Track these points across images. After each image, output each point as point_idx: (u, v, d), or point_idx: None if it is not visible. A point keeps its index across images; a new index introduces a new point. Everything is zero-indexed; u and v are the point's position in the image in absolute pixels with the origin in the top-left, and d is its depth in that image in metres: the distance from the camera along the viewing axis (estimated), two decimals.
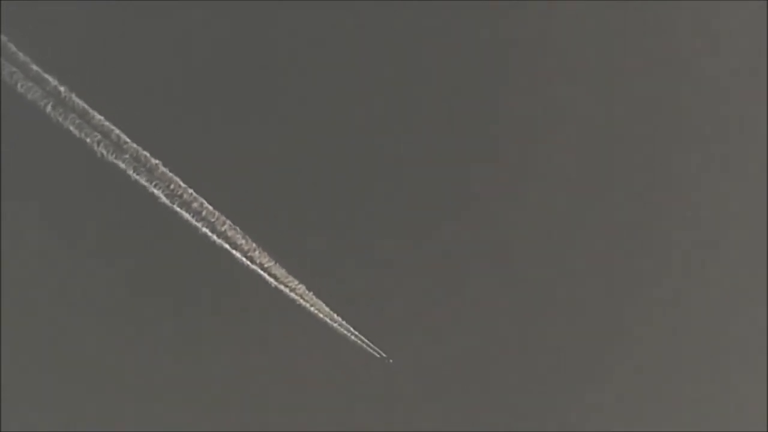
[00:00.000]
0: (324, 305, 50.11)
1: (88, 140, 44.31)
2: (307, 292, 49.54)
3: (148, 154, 45.32)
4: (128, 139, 44.88)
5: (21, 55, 42.43)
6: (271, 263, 48.44)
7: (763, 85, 55.07)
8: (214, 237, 47.25)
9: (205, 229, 47.02)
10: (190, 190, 46.21)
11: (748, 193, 56.06)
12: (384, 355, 52.13)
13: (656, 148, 56.47)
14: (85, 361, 50.89)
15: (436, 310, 54.46)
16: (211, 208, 46.92)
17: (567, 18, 54.82)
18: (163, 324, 51.75)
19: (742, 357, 56.05)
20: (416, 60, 54.08)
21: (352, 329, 50.94)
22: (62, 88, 43.55)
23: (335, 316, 50.23)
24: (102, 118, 44.49)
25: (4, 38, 41.83)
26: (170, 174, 45.74)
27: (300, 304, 49.73)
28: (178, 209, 46.17)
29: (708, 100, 56.12)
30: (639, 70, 55.78)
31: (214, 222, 47.11)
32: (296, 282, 49.18)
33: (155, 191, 45.73)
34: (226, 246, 47.46)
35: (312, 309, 49.87)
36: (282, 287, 48.82)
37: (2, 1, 45.81)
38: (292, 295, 49.21)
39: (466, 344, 55.09)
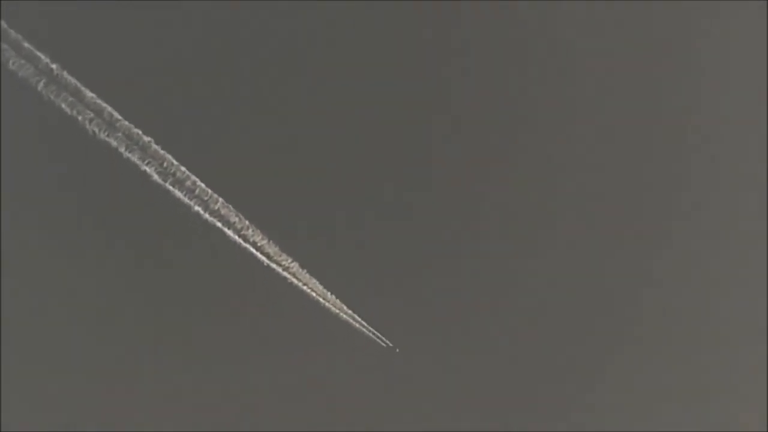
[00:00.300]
0: (318, 283, 49.92)
1: (80, 118, 44.22)
2: (300, 270, 49.33)
3: (140, 132, 45.21)
4: (120, 117, 44.79)
5: (13, 33, 42.35)
6: (264, 241, 48.28)
7: (763, 85, 55.10)
8: (207, 215, 47.08)
9: (197, 208, 46.87)
10: (183, 168, 46.04)
11: (749, 193, 56.10)
12: (377, 333, 51.93)
13: (656, 148, 56.49)
14: (81, 340, 50.78)
15: (433, 289, 54.34)
16: (204, 185, 46.75)
17: (567, 18, 54.87)
18: (155, 304, 51.58)
19: (742, 357, 56.05)
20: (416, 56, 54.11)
21: (345, 308, 50.71)
22: (54, 66, 43.52)
23: (329, 295, 50.04)
24: (94, 95, 44.43)
25: None
26: (162, 152, 45.60)
27: (293, 283, 49.49)
28: (170, 187, 46.02)
29: (708, 100, 56.14)
30: (639, 70, 55.81)
31: (207, 200, 46.96)
32: (290, 260, 48.98)
33: (147, 169, 45.60)
34: (219, 224, 47.27)
35: (305, 288, 49.63)
36: (275, 265, 48.59)
37: None
38: (285, 273, 48.98)
39: (465, 328, 54.96)
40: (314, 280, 49.76)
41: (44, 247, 50.32)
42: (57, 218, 50.67)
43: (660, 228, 56.59)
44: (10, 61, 42.61)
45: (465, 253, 54.88)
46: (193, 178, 46.47)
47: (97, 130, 44.59)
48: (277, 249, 48.62)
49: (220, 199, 47.40)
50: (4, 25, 42.01)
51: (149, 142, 45.40)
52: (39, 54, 43.03)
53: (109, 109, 44.69)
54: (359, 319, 51.20)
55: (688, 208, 56.52)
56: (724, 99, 55.87)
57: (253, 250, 48.20)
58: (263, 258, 48.39)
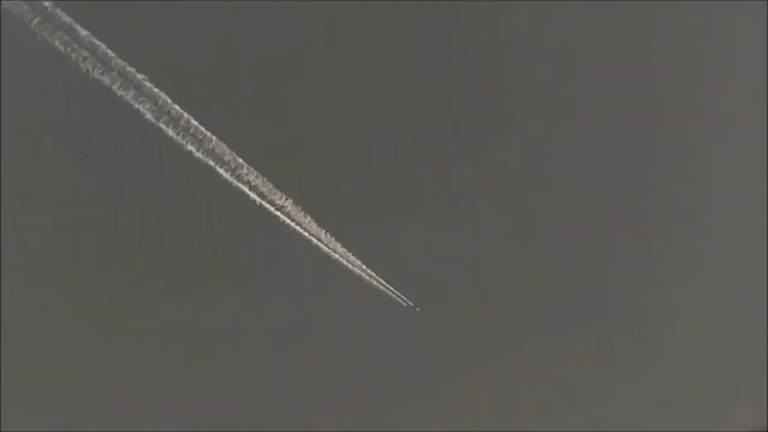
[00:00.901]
0: (315, 224, 49.73)
1: (74, 56, 44.63)
2: (295, 207, 49.23)
3: (134, 70, 45.56)
4: (114, 55, 45.16)
5: None
6: (258, 180, 48.29)
7: (763, 85, 55.08)
8: (200, 155, 47.21)
9: (190, 147, 47.03)
10: (176, 107, 46.26)
11: (749, 193, 56.04)
12: (378, 277, 51.59)
13: (656, 148, 56.50)
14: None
15: (439, 230, 54.21)
16: (197, 124, 46.94)
17: (566, 18, 54.99)
18: (147, 251, 51.59)
19: (742, 357, 55.95)
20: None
21: (339, 247, 50.37)
22: (48, 4, 43.87)
23: (324, 234, 49.84)
24: (88, 33, 44.78)
25: None
26: (156, 90, 45.91)
27: (286, 222, 49.34)
28: (163, 126, 46.29)
29: (708, 100, 56.12)
30: (639, 70, 55.83)
31: (201, 139, 47.14)
32: (284, 198, 48.92)
33: (141, 107, 45.92)
34: (212, 163, 47.42)
35: (299, 228, 49.47)
36: (268, 205, 48.56)
37: None
38: (278, 213, 48.88)
39: (474, 288, 54.87)
40: (311, 220, 49.53)
41: (34, 184, 50.36)
42: (47, 157, 50.68)
43: (660, 228, 56.57)
44: (3, 0, 43.09)
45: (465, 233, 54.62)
46: (187, 116, 46.69)
47: (90, 68, 45.03)
48: (271, 187, 48.53)
49: (214, 138, 47.53)
50: None
51: (143, 80, 45.74)
52: None
53: (104, 47, 45.14)
54: (356, 261, 50.80)
55: (688, 208, 56.47)
56: (724, 99, 55.75)
57: (246, 189, 48.23)
58: (256, 197, 48.37)
